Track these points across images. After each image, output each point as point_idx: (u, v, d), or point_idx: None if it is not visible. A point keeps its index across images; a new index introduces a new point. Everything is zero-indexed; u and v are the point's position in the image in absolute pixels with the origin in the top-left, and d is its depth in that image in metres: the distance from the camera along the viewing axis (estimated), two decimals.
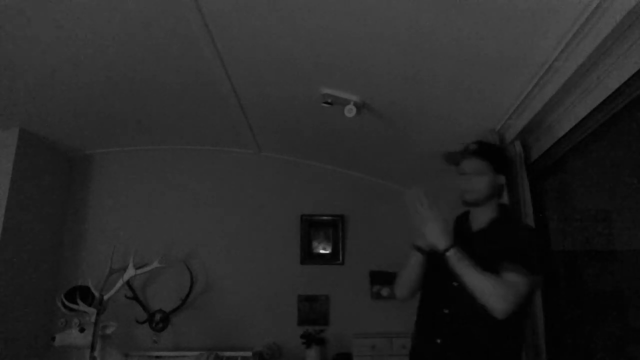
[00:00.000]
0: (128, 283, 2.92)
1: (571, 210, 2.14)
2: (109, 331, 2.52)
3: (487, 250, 1.53)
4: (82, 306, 2.53)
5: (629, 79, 1.55)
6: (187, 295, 3.21)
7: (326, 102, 2.39)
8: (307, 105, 2.52)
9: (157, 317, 3.18)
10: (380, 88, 2.32)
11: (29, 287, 2.97)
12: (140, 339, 3.18)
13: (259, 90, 2.48)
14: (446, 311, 1.55)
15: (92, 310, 2.51)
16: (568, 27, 1.61)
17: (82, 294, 2.62)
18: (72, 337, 2.45)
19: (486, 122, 2.43)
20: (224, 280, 3.41)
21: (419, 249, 1.63)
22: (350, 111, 2.36)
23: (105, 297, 2.61)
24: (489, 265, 1.44)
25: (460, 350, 1.52)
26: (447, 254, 1.46)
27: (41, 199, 3.14)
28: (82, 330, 2.45)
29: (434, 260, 1.58)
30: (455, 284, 1.47)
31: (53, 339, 2.43)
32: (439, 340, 1.55)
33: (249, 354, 3.07)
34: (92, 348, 2.43)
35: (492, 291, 1.39)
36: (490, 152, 1.70)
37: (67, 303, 2.60)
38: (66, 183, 3.43)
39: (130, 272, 2.75)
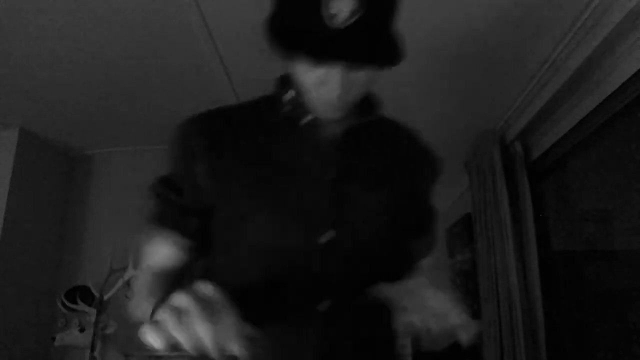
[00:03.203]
0: (128, 283, 2.92)
1: (571, 210, 2.14)
2: (109, 331, 2.52)
3: (381, 170, 0.79)
4: (82, 306, 2.53)
5: (629, 79, 1.55)
6: None
7: None
8: None
9: None
10: (381, 87, 2.32)
11: (29, 287, 2.97)
12: (140, 339, 3.18)
13: (258, 90, 2.47)
14: (323, 308, 0.70)
15: (92, 310, 2.51)
16: (568, 27, 1.62)
17: (82, 294, 2.62)
18: (72, 337, 2.45)
19: (486, 122, 2.43)
20: None
21: None
22: None
23: (105, 297, 2.61)
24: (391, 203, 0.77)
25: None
26: None
27: (41, 199, 3.14)
28: (82, 330, 2.45)
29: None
30: (324, 239, 0.71)
31: (53, 339, 2.43)
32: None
33: None
34: (92, 348, 2.43)
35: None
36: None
37: (67, 303, 2.60)
38: (66, 183, 3.42)
39: (130, 272, 2.75)
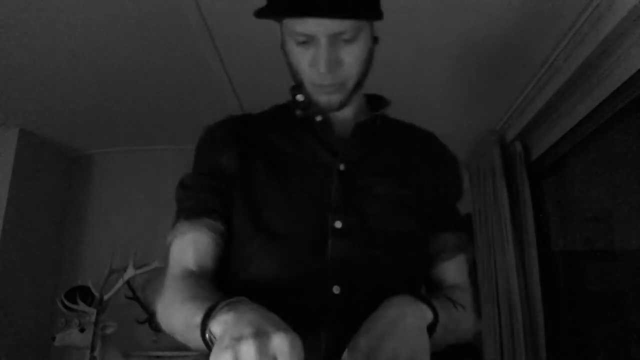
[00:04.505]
0: (128, 283, 2.92)
1: (571, 210, 2.14)
2: (109, 331, 2.52)
3: (392, 173, 0.82)
4: (82, 306, 2.53)
5: (629, 79, 1.55)
6: None
7: None
8: None
9: None
10: (381, 88, 2.32)
11: (29, 287, 2.97)
12: (140, 339, 3.18)
13: (259, 91, 2.47)
14: (337, 291, 0.71)
15: (92, 310, 2.51)
16: (568, 27, 1.62)
17: (82, 294, 2.62)
18: (72, 337, 2.45)
19: (486, 122, 2.43)
20: None
21: None
22: None
23: (105, 297, 2.61)
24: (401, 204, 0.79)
25: None
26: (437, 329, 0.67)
27: (41, 199, 3.14)
28: (82, 330, 2.45)
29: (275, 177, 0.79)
30: (338, 225, 0.74)
31: (53, 339, 2.43)
32: None
33: None
34: (92, 348, 2.43)
35: (472, 316, 0.81)
36: None
37: (67, 303, 2.60)
38: (66, 183, 3.42)
39: (130, 272, 2.75)
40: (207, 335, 0.57)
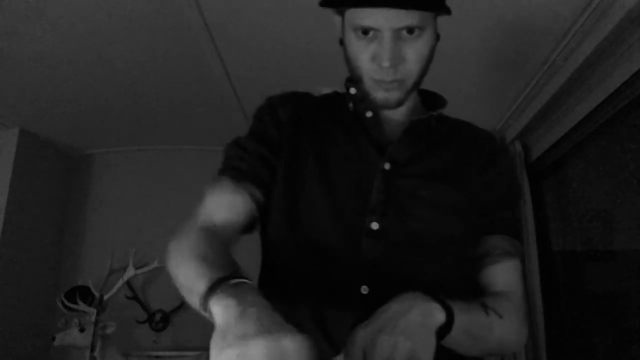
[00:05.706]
0: (128, 283, 2.92)
1: (571, 210, 2.14)
2: (108, 331, 2.52)
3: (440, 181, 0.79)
4: (82, 306, 2.53)
5: (628, 79, 1.55)
6: None
7: None
8: None
9: (157, 317, 3.18)
10: None
11: (29, 287, 2.97)
12: (140, 339, 3.18)
13: (259, 90, 2.47)
14: (365, 292, 0.71)
15: (92, 310, 2.51)
16: (568, 27, 1.62)
17: (82, 294, 2.62)
18: (72, 337, 2.45)
19: (486, 122, 2.43)
20: None
21: None
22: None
23: (105, 297, 2.61)
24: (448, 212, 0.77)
25: None
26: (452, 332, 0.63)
27: (41, 199, 3.14)
28: (82, 330, 2.45)
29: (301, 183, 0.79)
30: (375, 226, 0.73)
31: (53, 339, 2.43)
32: None
33: None
34: (92, 348, 2.43)
35: (514, 326, 0.77)
36: None
37: (67, 303, 2.60)
38: (66, 183, 3.42)
39: (130, 272, 2.75)
40: (207, 307, 0.56)
